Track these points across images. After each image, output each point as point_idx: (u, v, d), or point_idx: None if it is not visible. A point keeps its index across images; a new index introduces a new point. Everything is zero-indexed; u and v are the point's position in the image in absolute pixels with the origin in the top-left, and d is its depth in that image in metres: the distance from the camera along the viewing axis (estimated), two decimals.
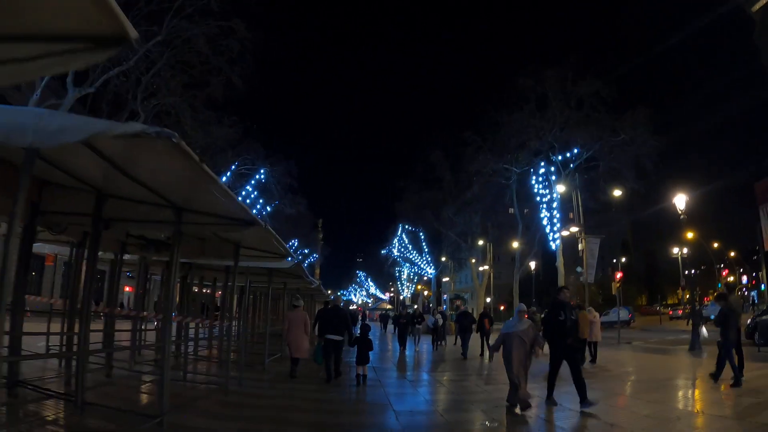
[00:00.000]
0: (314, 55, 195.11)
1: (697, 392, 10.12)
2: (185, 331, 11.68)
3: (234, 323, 12.24)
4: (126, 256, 9.81)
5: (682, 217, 19.92)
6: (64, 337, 8.84)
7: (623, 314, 36.80)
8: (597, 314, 16.82)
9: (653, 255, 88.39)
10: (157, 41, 24.74)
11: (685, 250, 54.71)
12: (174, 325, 10.57)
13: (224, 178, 35.74)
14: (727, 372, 9.93)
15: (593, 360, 14.88)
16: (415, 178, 48.79)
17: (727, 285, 26.45)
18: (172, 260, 8.20)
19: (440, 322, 23.16)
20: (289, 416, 7.31)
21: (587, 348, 14.70)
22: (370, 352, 11.14)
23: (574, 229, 27.48)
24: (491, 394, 9.56)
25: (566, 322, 8.23)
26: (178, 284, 11.69)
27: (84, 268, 6.86)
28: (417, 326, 23.59)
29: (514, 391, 7.83)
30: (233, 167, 36.07)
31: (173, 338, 10.33)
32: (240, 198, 30.39)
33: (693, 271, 72.76)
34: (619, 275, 25.92)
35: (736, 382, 9.59)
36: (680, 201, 19.85)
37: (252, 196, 38.43)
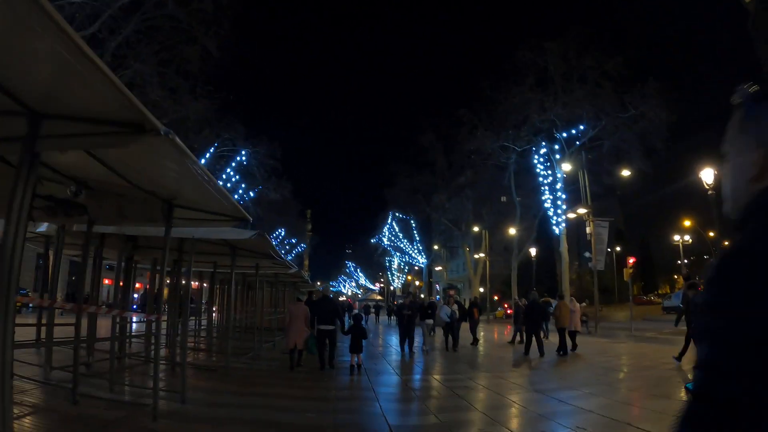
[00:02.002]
0: (301, 33, 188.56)
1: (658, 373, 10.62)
2: (121, 326, 9.31)
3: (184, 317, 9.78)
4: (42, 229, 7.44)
5: (710, 192, 17.70)
6: None
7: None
8: (578, 304, 17.23)
9: (647, 244, 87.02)
10: (123, 3, 22.22)
11: (686, 237, 53.30)
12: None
13: (203, 161, 33.23)
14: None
15: (573, 348, 15.22)
16: (407, 163, 46.50)
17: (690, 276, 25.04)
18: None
19: (457, 314, 16.99)
20: None
21: (567, 336, 15.03)
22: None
23: (582, 211, 25.20)
24: None
25: None
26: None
27: None
28: (428, 320, 16.69)
29: None
30: (212, 149, 33.39)
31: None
32: (220, 183, 27.90)
33: (692, 259, 71.52)
34: (632, 260, 23.82)
35: None
36: (707, 175, 17.66)
37: (233, 179, 35.87)
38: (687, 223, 53.26)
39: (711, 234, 72.65)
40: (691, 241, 58.21)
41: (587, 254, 24.36)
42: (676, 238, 52.22)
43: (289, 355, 10.80)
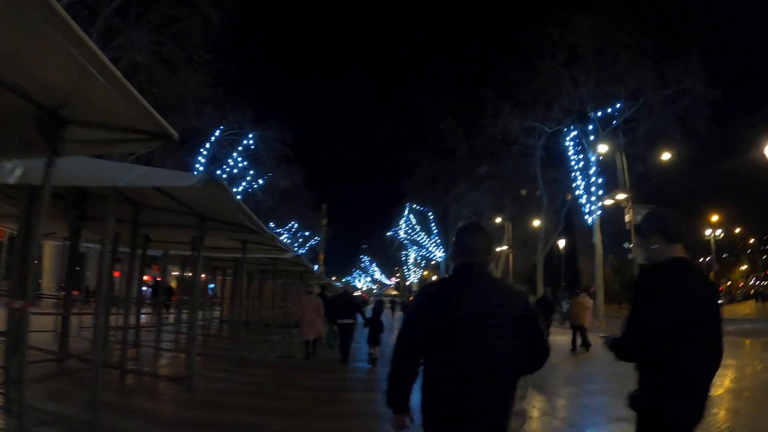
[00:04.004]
0: (312, 16, 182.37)
1: None
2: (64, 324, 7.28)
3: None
4: None
5: None
6: None
7: None
8: (591, 301, 17.70)
9: None
10: None
11: (718, 232, 50.05)
12: None
13: (208, 144, 31.17)
14: None
15: (586, 346, 15.05)
16: (426, 151, 43.87)
17: None
18: None
19: None
20: None
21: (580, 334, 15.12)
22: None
23: (621, 196, 22.54)
24: None
25: None
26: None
27: None
28: None
29: None
30: (217, 132, 31.21)
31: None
32: (227, 167, 25.51)
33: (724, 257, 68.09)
34: None
35: None
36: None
37: (240, 164, 33.72)
38: (714, 217, 50.11)
39: (737, 230, 69.45)
40: (723, 235, 54.98)
41: (627, 245, 21.78)
42: (707, 232, 48.85)
43: (304, 348, 11.69)
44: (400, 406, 2.42)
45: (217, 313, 22.09)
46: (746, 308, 45.44)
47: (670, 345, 2.32)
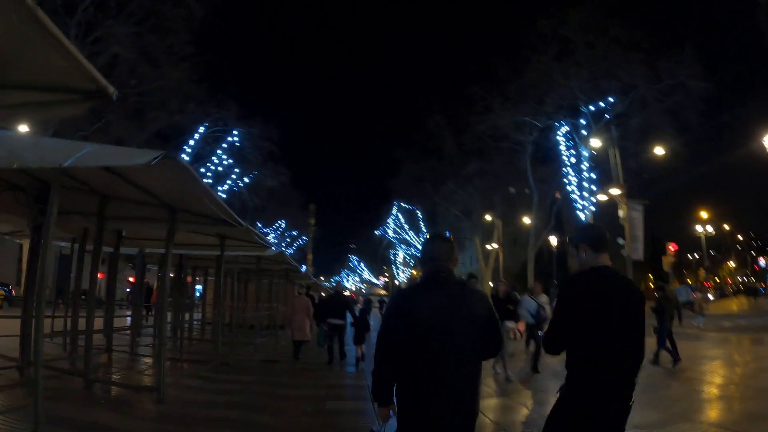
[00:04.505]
0: (296, 14, 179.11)
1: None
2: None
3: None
4: None
5: None
6: None
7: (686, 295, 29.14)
8: None
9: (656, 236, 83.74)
10: None
11: (709, 228, 49.96)
12: None
13: (191, 142, 30.26)
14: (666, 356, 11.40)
15: None
16: (414, 148, 43.03)
17: (662, 277, 22.42)
18: None
19: (546, 311, 10.82)
20: None
21: None
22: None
23: (615, 191, 22.04)
24: None
25: None
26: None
27: None
28: (505, 322, 9.85)
29: None
30: (201, 129, 30.30)
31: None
32: (212, 165, 24.60)
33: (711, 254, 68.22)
34: (673, 247, 20.82)
35: (675, 361, 11.20)
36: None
37: (224, 162, 32.83)
38: (704, 214, 50.01)
39: (726, 227, 69.68)
40: (714, 233, 55.02)
41: (620, 241, 21.32)
42: (698, 229, 48.66)
43: (293, 348, 11.88)
44: (384, 400, 2.70)
45: (198, 315, 21.14)
46: (735, 304, 45.35)
47: (585, 342, 2.63)
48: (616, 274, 2.88)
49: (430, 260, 2.82)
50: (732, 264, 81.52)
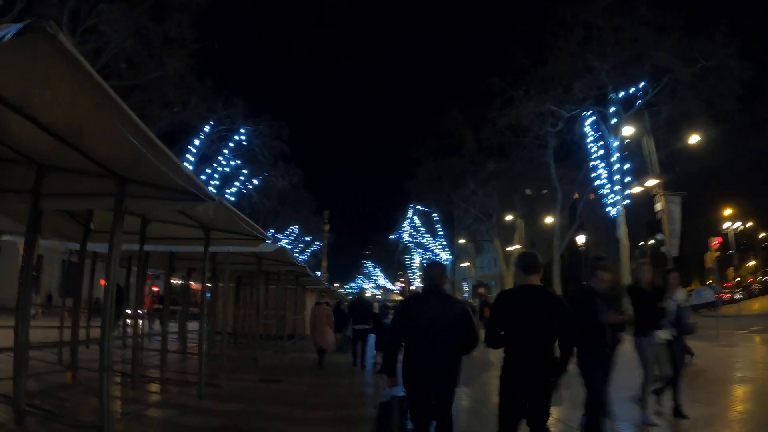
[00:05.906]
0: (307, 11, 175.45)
1: None
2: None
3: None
4: None
5: None
6: None
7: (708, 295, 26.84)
8: None
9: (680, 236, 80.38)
10: None
11: (738, 224, 47.32)
12: None
13: (197, 141, 28.90)
14: None
15: None
16: (430, 149, 41.19)
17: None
18: None
19: (687, 314, 7.06)
20: None
21: None
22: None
23: (652, 182, 20.06)
24: None
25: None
26: None
27: None
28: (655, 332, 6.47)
29: None
30: (207, 128, 28.91)
31: None
32: (219, 166, 23.10)
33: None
34: (717, 241, 18.87)
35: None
36: None
37: (232, 163, 31.40)
38: (728, 211, 47.44)
39: (750, 224, 66.54)
40: (742, 227, 52.41)
41: (660, 236, 19.37)
42: (725, 225, 45.92)
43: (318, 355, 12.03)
44: (391, 372, 4.14)
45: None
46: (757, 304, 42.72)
47: (508, 339, 3.80)
48: (537, 290, 3.84)
49: (427, 279, 4.33)
50: (754, 262, 77.92)
